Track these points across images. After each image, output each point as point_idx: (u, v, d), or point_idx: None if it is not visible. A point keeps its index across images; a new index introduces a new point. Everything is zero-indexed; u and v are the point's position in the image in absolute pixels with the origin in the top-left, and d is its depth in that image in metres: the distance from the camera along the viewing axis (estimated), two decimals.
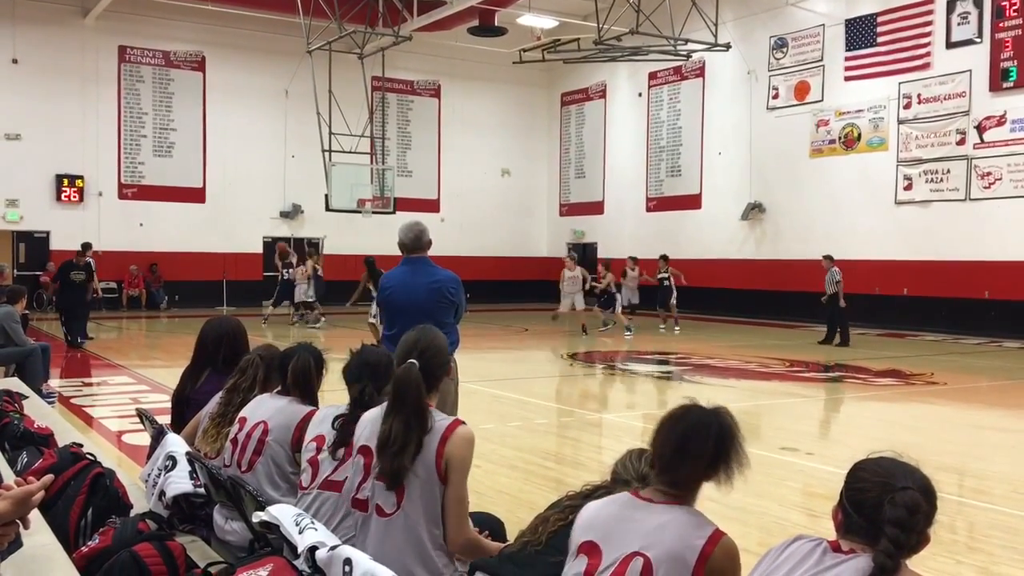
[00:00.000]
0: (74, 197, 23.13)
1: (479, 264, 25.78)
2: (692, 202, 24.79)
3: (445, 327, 5.21)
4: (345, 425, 3.14)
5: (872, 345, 17.08)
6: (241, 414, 3.61)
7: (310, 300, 20.07)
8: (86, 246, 16.58)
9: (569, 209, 29.44)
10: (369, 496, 2.87)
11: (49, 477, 2.11)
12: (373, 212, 22.78)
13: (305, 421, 3.40)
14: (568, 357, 15.11)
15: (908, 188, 19.69)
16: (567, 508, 2.59)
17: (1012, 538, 5.41)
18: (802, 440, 8.28)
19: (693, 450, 2.19)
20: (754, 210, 22.81)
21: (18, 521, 2.06)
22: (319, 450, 3.18)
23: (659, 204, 25.88)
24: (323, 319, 19.93)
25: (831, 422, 9.56)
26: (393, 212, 22.87)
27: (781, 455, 7.49)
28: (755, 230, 23.08)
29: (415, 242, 5.30)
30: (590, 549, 2.24)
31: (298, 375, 3.56)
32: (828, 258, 16.79)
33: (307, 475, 3.18)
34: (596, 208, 28.23)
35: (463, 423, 2.91)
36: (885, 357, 14.95)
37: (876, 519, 1.90)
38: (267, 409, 3.54)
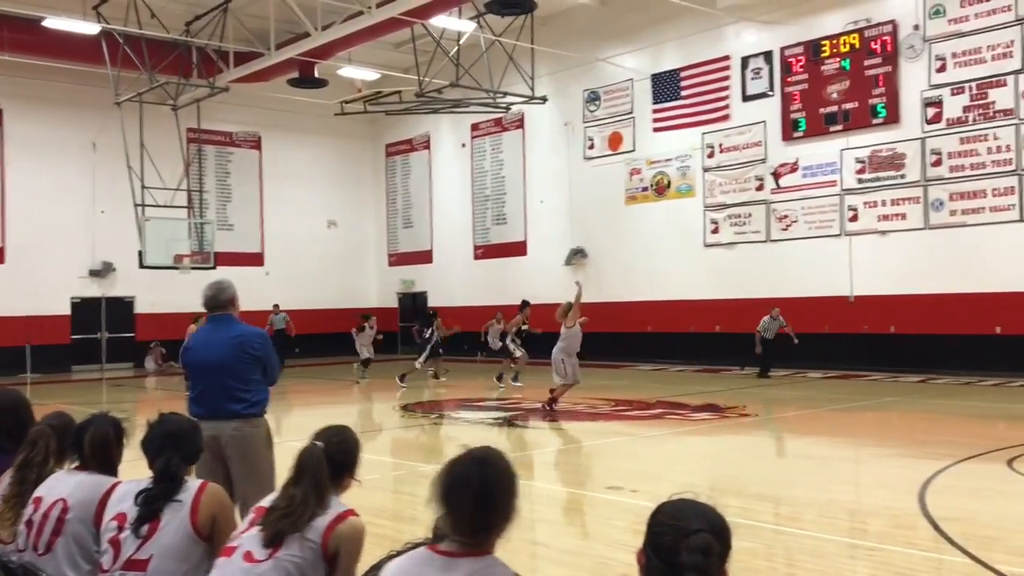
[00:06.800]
0: None
1: (308, 317, 25.16)
2: (518, 249, 25.32)
3: (251, 384, 4.99)
4: (149, 501, 2.97)
5: (691, 381, 17.89)
6: (36, 494, 3.35)
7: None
8: None
9: (398, 259, 29.37)
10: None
11: None
12: (192, 268, 21.87)
13: (108, 494, 3.20)
14: (400, 409, 14.96)
15: (715, 231, 20.92)
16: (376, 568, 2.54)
17: (821, 561, 5.74)
18: (628, 478, 8.50)
19: (456, 502, 2.20)
20: (576, 255, 23.53)
21: None
22: (121, 529, 2.99)
23: (486, 252, 26.27)
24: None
25: (654, 459, 9.88)
26: (213, 267, 22.03)
27: (607, 494, 7.67)
28: (578, 275, 23.74)
29: (213, 300, 5.06)
30: None
31: (96, 446, 3.35)
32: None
33: (108, 557, 2.98)
34: (425, 257, 28.31)
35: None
36: (702, 392, 15.67)
37: (674, 563, 1.94)
38: (65, 485, 3.31)
